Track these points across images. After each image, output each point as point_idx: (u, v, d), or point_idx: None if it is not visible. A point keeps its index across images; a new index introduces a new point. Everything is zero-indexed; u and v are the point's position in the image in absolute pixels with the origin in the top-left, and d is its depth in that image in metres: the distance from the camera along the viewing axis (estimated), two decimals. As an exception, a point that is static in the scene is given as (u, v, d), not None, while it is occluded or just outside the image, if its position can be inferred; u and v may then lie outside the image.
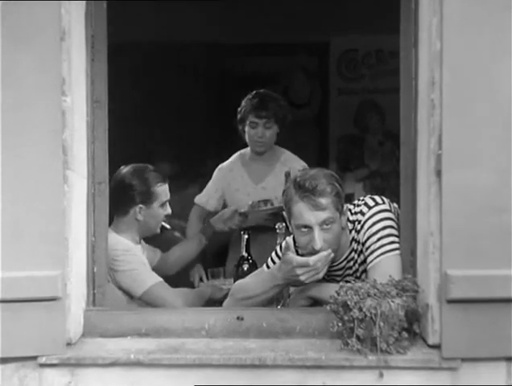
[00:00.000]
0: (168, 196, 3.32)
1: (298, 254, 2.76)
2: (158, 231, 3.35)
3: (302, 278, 2.61)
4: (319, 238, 2.61)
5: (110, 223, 3.16)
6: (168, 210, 3.32)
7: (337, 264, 2.78)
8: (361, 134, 5.92)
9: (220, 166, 4.10)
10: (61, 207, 2.36)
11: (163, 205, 3.28)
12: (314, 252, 2.63)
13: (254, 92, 3.97)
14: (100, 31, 2.58)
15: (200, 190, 4.15)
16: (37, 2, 2.33)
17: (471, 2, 2.31)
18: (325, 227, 2.62)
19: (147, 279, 3.11)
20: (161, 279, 3.16)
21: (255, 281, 2.81)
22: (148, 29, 5.17)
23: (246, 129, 3.93)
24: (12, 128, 2.34)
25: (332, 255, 2.64)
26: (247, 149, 4.03)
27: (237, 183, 3.99)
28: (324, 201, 2.61)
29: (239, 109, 3.96)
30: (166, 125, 5.55)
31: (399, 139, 2.57)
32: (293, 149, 4.05)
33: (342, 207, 2.68)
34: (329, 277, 2.79)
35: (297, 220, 2.65)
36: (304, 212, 2.62)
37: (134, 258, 3.15)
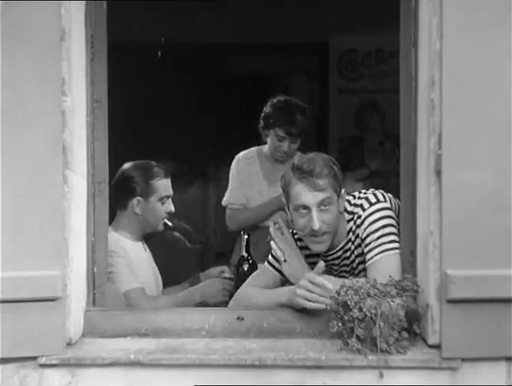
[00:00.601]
0: (170, 192, 3.31)
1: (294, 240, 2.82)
2: (160, 228, 3.32)
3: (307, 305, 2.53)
4: (317, 218, 2.63)
5: (112, 220, 3.16)
6: (171, 207, 3.31)
7: (334, 253, 2.80)
8: (361, 134, 5.92)
9: (237, 157, 4.04)
10: (61, 207, 2.36)
11: (162, 200, 3.27)
12: (312, 234, 2.65)
13: (282, 99, 3.90)
14: (100, 31, 2.58)
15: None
16: (37, 2, 2.33)
17: (471, 2, 2.31)
18: (323, 208, 2.64)
19: (125, 283, 3.09)
20: (140, 285, 3.13)
21: (261, 297, 2.77)
22: (148, 29, 5.17)
23: (271, 138, 3.89)
24: (12, 128, 2.33)
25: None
26: (265, 147, 4.00)
27: (252, 179, 3.98)
28: (321, 182, 2.63)
29: (263, 115, 3.90)
30: (166, 124, 5.55)
31: (399, 139, 2.57)
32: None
33: (340, 189, 2.71)
34: (326, 267, 2.79)
35: (295, 201, 2.67)
36: (302, 193, 2.64)
37: (118, 260, 3.11)
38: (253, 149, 4.06)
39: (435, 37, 2.32)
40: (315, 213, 2.63)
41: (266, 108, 3.93)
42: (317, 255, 2.83)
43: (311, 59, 6.09)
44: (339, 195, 2.70)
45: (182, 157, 5.53)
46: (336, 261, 2.82)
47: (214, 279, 3.33)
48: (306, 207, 2.65)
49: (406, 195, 2.55)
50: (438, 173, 2.32)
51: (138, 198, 3.23)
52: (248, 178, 3.98)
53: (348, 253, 2.80)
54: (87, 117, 2.56)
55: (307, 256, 2.85)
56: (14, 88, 2.34)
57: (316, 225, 2.63)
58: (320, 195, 2.64)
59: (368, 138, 5.88)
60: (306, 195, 2.64)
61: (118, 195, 3.14)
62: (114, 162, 2.83)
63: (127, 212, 3.24)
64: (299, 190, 2.65)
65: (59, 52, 2.36)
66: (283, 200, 2.79)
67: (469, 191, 2.31)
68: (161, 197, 3.27)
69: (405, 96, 2.53)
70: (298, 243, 2.85)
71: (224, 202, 4.03)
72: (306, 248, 2.82)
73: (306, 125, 3.89)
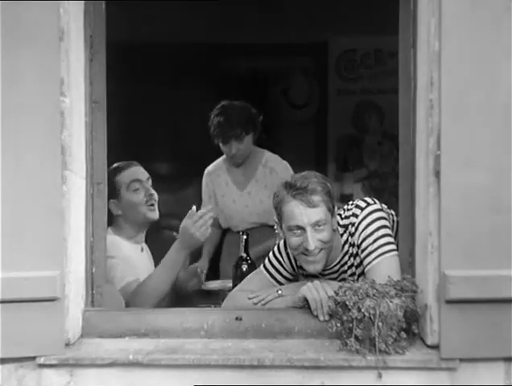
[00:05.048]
0: (137, 177, 3.24)
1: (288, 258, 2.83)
2: (153, 216, 3.26)
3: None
4: (312, 239, 2.59)
5: (110, 224, 3.15)
6: (150, 190, 3.25)
7: (330, 268, 2.77)
8: (359, 135, 5.93)
9: (206, 170, 4.13)
10: (60, 207, 2.36)
11: (131, 188, 3.22)
12: (306, 253, 2.62)
13: (220, 105, 3.94)
14: (98, 31, 2.58)
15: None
16: (35, 2, 2.33)
17: (469, 2, 2.31)
18: (318, 228, 2.60)
19: (122, 277, 3.07)
20: (137, 278, 3.09)
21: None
22: (147, 29, 5.17)
23: (220, 145, 3.95)
24: (11, 128, 2.33)
25: None
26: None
27: (222, 190, 4.05)
28: (315, 198, 2.59)
29: (209, 124, 3.94)
30: (164, 125, 5.55)
31: (398, 139, 2.57)
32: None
33: (333, 207, 2.67)
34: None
35: (289, 221, 2.63)
36: (296, 211, 2.60)
37: (115, 260, 3.06)
38: (220, 159, 4.12)
39: (433, 37, 2.32)
40: (309, 233, 2.59)
41: (210, 116, 3.96)
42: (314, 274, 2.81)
43: (310, 59, 6.09)
44: (332, 213, 2.66)
45: (180, 157, 5.53)
46: (334, 275, 2.79)
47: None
48: (300, 228, 2.61)
49: (404, 195, 2.54)
50: (437, 173, 2.32)
51: (112, 200, 3.19)
52: (219, 190, 4.05)
53: (345, 267, 2.77)
54: (85, 118, 2.55)
55: (303, 274, 2.85)
56: (12, 88, 2.34)
57: (312, 246, 2.59)
58: (315, 216, 2.59)
59: (366, 139, 5.89)
60: (300, 214, 2.59)
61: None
62: (113, 163, 2.83)
63: (114, 218, 3.24)
64: (292, 208, 2.60)
65: (57, 52, 2.35)
66: (275, 219, 2.75)
67: (468, 192, 2.31)
68: (127, 185, 3.22)
69: (404, 97, 2.53)
70: (298, 262, 2.81)
71: None
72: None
73: (251, 122, 3.91)
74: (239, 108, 3.94)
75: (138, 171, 3.29)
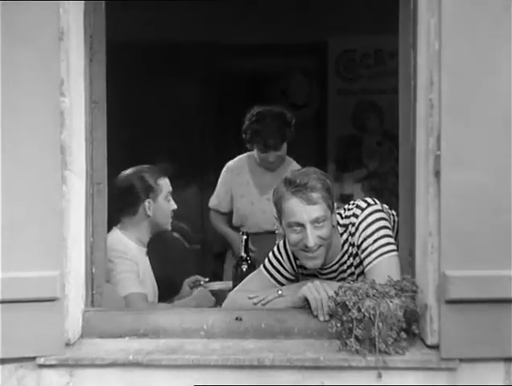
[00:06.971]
0: (170, 189, 3.35)
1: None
2: (169, 227, 3.36)
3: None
4: (312, 235, 2.59)
5: (111, 226, 3.16)
6: (173, 205, 3.35)
7: (329, 267, 2.78)
8: (359, 135, 5.93)
9: (227, 166, 4.03)
10: (60, 207, 2.36)
11: (167, 198, 3.32)
12: (306, 249, 2.63)
13: (256, 112, 3.84)
14: (98, 31, 2.58)
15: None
16: (35, 2, 2.33)
17: (469, 2, 2.32)
18: (317, 225, 2.61)
19: (131, 286, 3.10)
20: (142, 291, 3.13)
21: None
22: (147, 29, 5.17)
23: (255, 150, 3.88)
24: (10, 128, 2.33)
25: None
26: (255, 154, 3.95)
27: (242, 189, 3.96)
28: (315, 195, 2.60)
29: (243, 129, 3.85)
30: (164, 125, 5.55)
31: (398, 139, 2.57)
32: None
33: (333, 203, 2.67)
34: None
35: (289, 218, 2.63)
36: (296, 208, 2.60)
37: (127, 263, 3.13)
38: (244, 156, 4.03)
39: (433, 37, 2.32)
40: (309, 230, 2.59)
41: (245, 122, 3.87)
42: (313, 274, 2.81)
43: (310, 59, 6.09)
44: (332, 210, 2.66)
45: (180, 157, 5.53)
46: (333, 275, 2.80)
47: (202, 289, 3.39)
48: (300, 224, 2.61)
49: (404, 195, 2.54)
50: (437, 173, 2.32)
51: (149, 200, 3.25)
52: (238, 189, 3.97)
53: (344, 267, 2.78)
54: (85, 118, 2.55)
55: (302, 274, 2.86)
56: (12, 88, 2.33)
57: (311, 242, 2.59)
58: (314, 213, 2.59)
59: (366, 139, 5.89)
60: (300, 211, 2.59)
61: (124, 204, 3.16)
62: (113, 163, 2.82)
63: (137, 218, 3.25)
64: (292, 204, 2.61)
65: (57, 53, 2.35)
66: (274, 215, 2.76)
67: (468, 192, 2.31)
68: (166, 195, 3.31)
69: (404, 97, 2.53)
70: (297, 261, 2.82)
71: (209, 203, 4.10)
72: (302, 266, 2.80)
73: (289, 130, 3.84)
74: (275, 115, 3.84)
75: (169, 183, 3.38)
